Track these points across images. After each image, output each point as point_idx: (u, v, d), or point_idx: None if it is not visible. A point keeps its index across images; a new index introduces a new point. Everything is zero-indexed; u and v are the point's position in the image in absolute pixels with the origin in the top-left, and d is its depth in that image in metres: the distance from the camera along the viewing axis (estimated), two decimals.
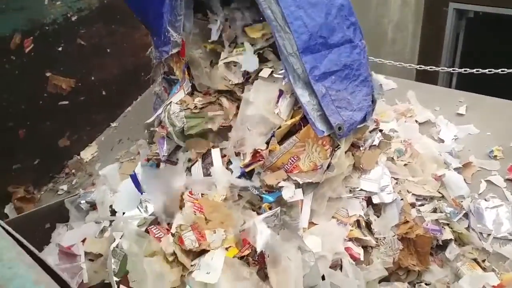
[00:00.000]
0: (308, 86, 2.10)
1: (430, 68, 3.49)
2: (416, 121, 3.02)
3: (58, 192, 3.52)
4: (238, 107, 2.33)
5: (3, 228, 1.12)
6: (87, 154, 3.76)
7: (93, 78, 3.67)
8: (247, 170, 2.21)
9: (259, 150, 2.17)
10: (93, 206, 2.62)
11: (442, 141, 2.85)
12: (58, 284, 0.92)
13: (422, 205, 2.49)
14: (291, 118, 2.19)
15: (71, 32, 3.45)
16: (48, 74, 3.39)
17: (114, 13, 3.58)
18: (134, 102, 4.00)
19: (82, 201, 2.58)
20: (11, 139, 3.29)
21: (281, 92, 2.19)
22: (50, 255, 2.10)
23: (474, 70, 3.30)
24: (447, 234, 2.35)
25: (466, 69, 3.35)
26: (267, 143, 2.18)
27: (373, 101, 2.30)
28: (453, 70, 3.54)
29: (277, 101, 2.19)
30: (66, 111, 3.55)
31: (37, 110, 3.37)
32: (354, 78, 2.22)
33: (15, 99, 3.24)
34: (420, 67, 3.59)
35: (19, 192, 3.32)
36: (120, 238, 1.91)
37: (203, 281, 1.83)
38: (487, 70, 3.24)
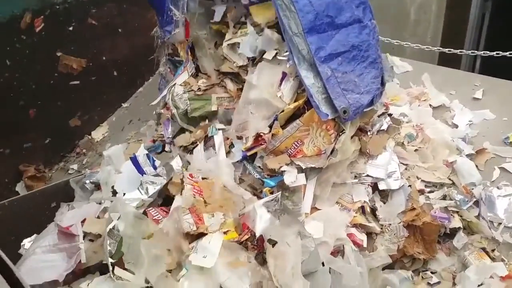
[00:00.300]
0: (313, 67, 2.03)
1: (449, 51, 3.35)
2: (430, 105, 2.91)
3: (69, 172, 3.56)
4: (242, 90, 2.28)
5: None
6: (98, 134, 3.78)
7: (104, 58, 3.67)
8: (249, 154, 2.16)
9: (261, 134, 2.12)
10: (97, 186, 2.62)
11: (456, 126, 2.74)
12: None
13: (431, 192, 2.41)
14: (295, 101, 2.12)
15: (82, 12, 3.45)
16: (59, 54, 3.40)
17: None
18: (146, 83, 3.99)
19: (87, 181, 2.58)
20: (22, 118, 3.32)
21: (284, 75, 2.13)
22: (49, 234, 2.10)
23: (494, 53, 3.16)
24: (456, 222, 2.27)
25: (485, 52, 3.21)
26: (270, 126, 2.13)
27: (383, 84, 2.21)
28: (471, 52, 3.39)
29: (280, 84, 2.12)
30: (77, 91, 3.56)
31: (48, 89, 3.40)
32: (362, 59, 2.13)
33: (26, 78, 3.26)
34: (438, 49, 3.46)
35: (30, 170, 3.36)
36: (118, 220, 1.89)
37: (199, 264, 1.80)
38: (508, 53, 3.10)
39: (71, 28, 3.40)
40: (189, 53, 2.44)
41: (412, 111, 2.85)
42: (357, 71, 2.12)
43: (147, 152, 2.31)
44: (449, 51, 3.41)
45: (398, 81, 3.16)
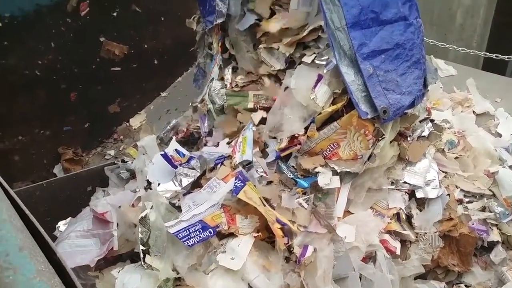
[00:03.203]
0: (354, 64, 1.97)
1: (496, 56, 3.23)
2: (473, 111, 2.82)
3: (105, 157, 3.61)
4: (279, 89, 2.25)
5: (4, 189, 1.11)
6: (135, 121, 3.82)
7: (146, 46, 3.70)
8: (282, 154, 2.13)
9: (296, 135, 2.09)
10: (133, 174, 2.65)
11: (500, 135, 2.65)
12: (44, 252, 0.90)
13: (470, 202, 2.33)
14: (333, 104, 2.07)
15: None
16: (102, 39, 3.44)
17: None
18: (185, 73, 4.00)
19: (122, 171, 2.61)
20: (63, 101, 3.39)
21: (320, 77, 2.08)
22: (84, 219, 2.13)
23: None
24: (494, 236, 2.19)
25: None
26: (306, 128, 2.09)
27: (425, 86, 2.14)
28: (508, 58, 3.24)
29: (315, 86, 2.08)
30: (117, 78, 3.61)
31: (89, 74, 3.45)
32: (406, 58, 2.06)
33: (69, 62, 3.32)
34: (485, 54, 3.34)
35: (68, 153, 3.43)
36: (150, 209, 1.90)
37: (226, 266, 1.79)
38: None
39: (115, 14, 3.44)
40: (219, 44, 2.43)
41: (455, 117, 2.76)
42: (400, 71, 2.05)
43: (176, 148, 2.31)
44: (496, 56, 3.30)
45: (442, 85, 3.06)
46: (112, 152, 3.65)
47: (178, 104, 3.74)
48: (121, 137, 3.77)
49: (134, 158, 2.76)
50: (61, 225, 2.36)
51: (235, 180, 1.93)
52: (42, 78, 3.21)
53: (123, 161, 2.86)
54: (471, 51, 3.38)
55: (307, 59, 2.17)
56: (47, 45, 3.18)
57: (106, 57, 3.48)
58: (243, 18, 2.37)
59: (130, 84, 3.70)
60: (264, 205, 1.89)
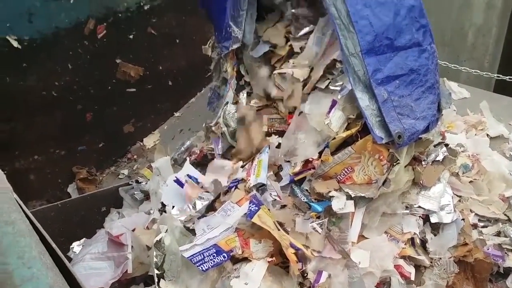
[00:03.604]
0: (368, 89, 1.99)
1: (510, 79, 3.22)
2: (487, 134, 2.80)
3: (119, 176, 3.64)
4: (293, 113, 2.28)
5: (32, 223, 1.13)
6: (149, 141, 3.85)
7: (160, 67, 3.75)
8: (296, 178, 2.14)
9: (310, 159, 2.10)
10: (147, 195, 2.68)
11: None
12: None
13: (485, 226, 2.31)
14: (347, 129, 2.09)
15: (142, 21, 3.53)
16: (118, 61, 3.50)
17: (186, 4, 3.62)
18: (198, 94, 4.05)
19: (136, 192, 2.64)
20: (78, 122, 3.43)
21: (334, 103, 2.11)
22: (99, 242, 2.15)
23: None
24: (510, 261, 2.16)
25: None
26: (320, 153, 2.10)
27: (439, 110, 2.14)
28: None
29: (329, 112, 2.10)
30: (132, 98, 3.66)
31: (105, 95, 3.50)
32: (420, 84, 2.08)
33: (85, 83, 3.37)
34: (498, 76, 3.33)
35: (82, 173, 3.47)
36: (165, 232, 1.92)
37: None
38: None
39: (131, 36, 3.50)
40: (234, 69, 2.47)
41: (469, 140, 2.75)
42: (414, 96, 2.06)
43: (188, 173, 2.33)
44: (510, 79, 3.29)
45: (455, 108, 3.06)
46: (125, 172, 3.68)
47: (192, 124, 3.78)
48: (135, 156, 3.80)
49: (148, 179, 2.78)
50: (75, 246, 2.38)
51: (249, 204, 1.94)
52: (58, 99, 3.26)
53: (137, 181, 2.88)
54: (484, 73, 3.38)
55: (322, 84, 2.19)
56: (65, 67, 3.24)
57: (122, 78, 3.53)
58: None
59: (145, 104, 3.74)
60: (278, 229, 1.89)
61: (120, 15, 3.39)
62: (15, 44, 2.97)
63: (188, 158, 2.62)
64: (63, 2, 3.09)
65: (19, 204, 1.20)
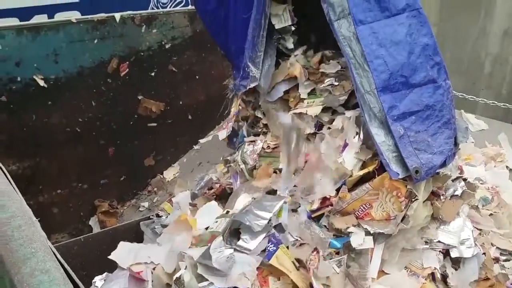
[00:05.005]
0: (384, 125, 2.03)
1: None
2: (506, 167, 2.80)
3: (140, 209, 3.70)
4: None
5: (65, 270, 1.18)
6: (169, 174, 3.92)
7: (181, 102, 3.85)
8: (314, 215, 2.17)
9: (328, 197, 2.13)
10: None
11: None
12: None
13: (507, 260, 2.29)
14: (364, 167, 2.12)
15: (164, 59, 3.65)
16: (140, 97, 3.61)
17: (205, 42, 3.72)
18: (217, 127, 4.11)
19: (157, 226, 2.68)
20: (101, 156, 3.53)
21: (346, 144, 2.15)
22: (120, 278, 2.18)
23: None
24: None
25: None
26: (337, 189, 2.13)
27: (456, 144, 2.16)
28: None
29: (342, 151, 2.13)
30: (153, 132, 3.75)
31: (127, 130, 3.60)
32: (436, 119, 2.10)
33: (108, 119, 3.48)
34: None
35: (104, 206, 3.54)
36: (185, 269, 1.94)
37: None
38: None
39: (152, 74, 3.61)
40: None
41: (488, 172, 2.75)
42: (430, 131, 2.08)
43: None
44: None
45: (473, 140, 3.06)
46: (146, 204, 3.73)
47: (210, 157, 3.83)
48: (155, 189, 3.86)
49: (169, 213, 2.82)
50: (97, 280, 2.40)
51: (268, 243, 1.96)
52: (82, 135, 3.37)
53: (157, 215, 2.92)
54: (501, 104, 3.39)
55: (337, 124, 2.24)
56: (88, 104, 3.35)
57: (143, 114, 3.63)
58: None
59: (165, 138, 3.83)
60: (297, 269, 1.91)
61: (142, 53, 3.51)
62: (42, 83, 3.10)
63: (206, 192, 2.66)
64: (87, 42, 3.22)
65: (53, 252, 1.25)
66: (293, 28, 2.44)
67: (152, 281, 2.07)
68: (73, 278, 1.22)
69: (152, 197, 3.81)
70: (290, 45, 2.49)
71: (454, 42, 5.91)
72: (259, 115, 2.61)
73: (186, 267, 1.95)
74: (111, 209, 3.58)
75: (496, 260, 2.28)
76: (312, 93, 2.46)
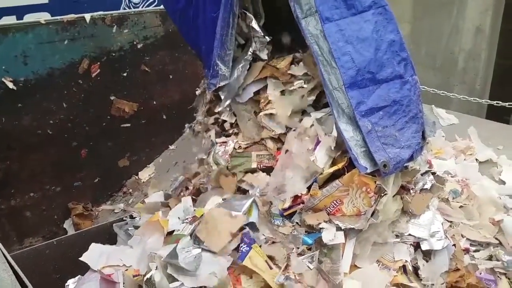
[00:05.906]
0: (352, 121, 2.04)
1: (496, 103, 3.29)
2: (476, 159, 2.84)
3: (115, 210, 3.66)
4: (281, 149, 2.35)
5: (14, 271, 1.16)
6: (144, 174, 3.89)
7: (154, 102, 3.82)
8: (286, 213, 2.18)
9: (299, 195, 2.14)
10: None
11: (503, 182, 2.66)
12: None
13: (476, 251, 2.33)
14: (334, 165, 2.14)
15: (136, 59, 3.63)
16: (112, 98, 3.57)
17: (178, 42, 3.69)
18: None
19: (130, 228, 2.66)
20: (74, 158, 3.48)
21: (318, 141, 2.17)
22: (91, 281, 2.15)
23: None
24: (503, 285, 2.17)
25: None
26: (308, 187, 2.15)
27: (424, 139, 2.19)
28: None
29: (314, 149, 2.15)
30: (127, 133, 3.72)
31: (100, 131, 3.56)
32: (403, 114, 2.12)
33: (80, 120, 3.43)
34: (486, 101, 3.40)
35: (78, 208, 3.49)
36: (156, 269, 1.93)
37: None
38: None
39: (125, 74, 3.58)
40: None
41: (458, 165, 2.79)
42: (398, 126, 2.10)
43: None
44: (497, 103, 3.35)
45: (444, 134, 3.11)
46: (121, 206, 3.70)
47: (186, 156, 3.81)
48: (130, 190, 3.83)
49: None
50: (70, 283, 2.37)
51: (241, 243, 1.97)
52: (53, 137, 3.32)
53: (131, 217, 2.90)
54: (472, 98, 3.45)
55: (306, 123, 2.26)
56: (59, 105, 3.31)
57: (116, 114, 3.59)
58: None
59: (140, 139, 3.80)
60: (270, 267, 1.91)
61: (114, 54, 3.48)
62: (11, 85, 3.05)
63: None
64: (57, 44, 3.18)
65: (4, 255, 1.23)
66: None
67: (123, 283, 2.04)
68: (24, 282, 1.20)
69: (127, 199, 3.77)
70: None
71: (428, 39, 6.00)
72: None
73: (156, 267, 1.94)
74: (85, 212, 3.53)
75: (466, 251, 2.31)
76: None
